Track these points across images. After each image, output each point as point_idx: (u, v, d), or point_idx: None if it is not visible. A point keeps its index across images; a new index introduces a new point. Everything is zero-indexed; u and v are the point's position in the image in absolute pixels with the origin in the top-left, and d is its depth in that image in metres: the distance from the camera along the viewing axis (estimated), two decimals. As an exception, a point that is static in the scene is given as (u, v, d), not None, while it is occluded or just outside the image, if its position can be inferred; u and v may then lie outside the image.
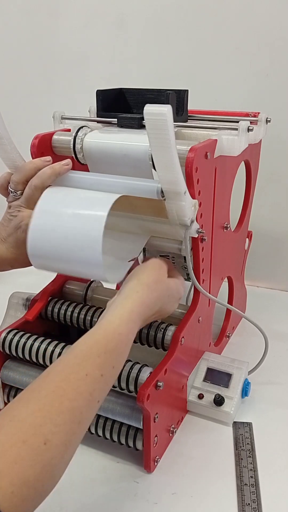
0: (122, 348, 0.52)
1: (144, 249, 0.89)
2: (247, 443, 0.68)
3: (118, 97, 0.77)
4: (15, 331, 0.70)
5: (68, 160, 0.65)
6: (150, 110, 0.51)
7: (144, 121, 0.52)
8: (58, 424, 0.42)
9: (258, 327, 0.77)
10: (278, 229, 1.09)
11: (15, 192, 0.66)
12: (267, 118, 0.76)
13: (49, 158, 0.66)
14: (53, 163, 0.65)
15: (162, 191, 0.58)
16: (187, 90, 0.73)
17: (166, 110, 0.50)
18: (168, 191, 0.58)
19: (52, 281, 0.79)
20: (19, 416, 0.42)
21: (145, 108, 0.51)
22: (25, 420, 0.42)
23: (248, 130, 0.67)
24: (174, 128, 0.53)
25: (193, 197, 0.61)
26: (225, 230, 0.77)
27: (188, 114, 0.76)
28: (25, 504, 0.38)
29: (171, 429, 0.68)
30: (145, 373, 0.61)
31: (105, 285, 0.81)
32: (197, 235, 0.63)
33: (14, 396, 0.70)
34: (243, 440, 0.68)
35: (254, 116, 0.76)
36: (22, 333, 0.70)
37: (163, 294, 0.60)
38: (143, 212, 0.64)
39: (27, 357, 0.68)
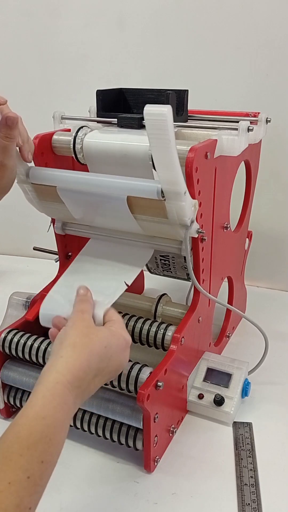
0: (50, 434, 0.42)
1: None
2: (247, 443, 0.68)
3: (118, 97, 0.77)
4: (15, 331, 0.70)
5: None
6: (150, 110, 0.51)
7: (144, 121, 0.52)
8: None
9: (258, 327, 0.77)
10: (278, 229, 1.09)
11: None
12: (267, 118, 0.76)
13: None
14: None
15: (162, 192, 0.58)
16: (187, 90, 0.73)
17: (166, 110, 0.50)
18: (168, 191, 0.58)
19: (52, 281, 0.79)
20: None
21: (145, 108, 0.51)
22: None
23: (248, 130, 0.67)
24: (174, 128, 0.53)
25: (193, 197, 0.61)
26: (225, 230, 0.77)
27: (188, 114, 0.76)
28: None
29: (171, 429, 0.68)
30: (145, 373, 0.61)
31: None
32: (197, 235, 0.63)
33: (14, 396, 0.70)
34: (243, 440, 0.68)
35: (254, 116, 0.76)
36: (22, 333, 0.70)
37: (98, 348, 0.50)
38: (143, 212, 0.64)
39: (27, 357, 0.68)
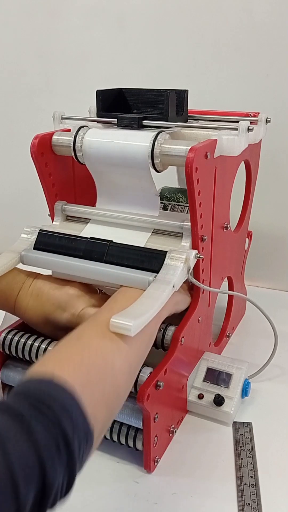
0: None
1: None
2: (247, 443, 0.68)
3: (118, 97, 0.77)
4: (15, 331, 0.70)
5: None
6: (115, 323, 0.51)
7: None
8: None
9: (267, 318, 0.77)
10: (278, 229, 1.09)
11: None
12: (267, 118, 0.76)
13: None
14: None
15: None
16: (187, 90, 0.73)
17: (131, 325, 0.51)
18: None
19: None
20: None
21: (111, 320, 0.51)
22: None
23: (248, 130, 0.67)
24: (174, 129, 0.53)
25: (193, 197, 0.61)
26: (225, 230, 0.77)
27: (188, 114, 0.76)
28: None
29: (171, 429, 0.68)
30: (145, 373, 0.61)
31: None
32: (196, 259, 0.65)
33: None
34: (243, 440, 0.68)
35: (254, 116, 0.76)
36: (22, 333, 0.70)
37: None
38: None
39: (27, 357, 0.68)
